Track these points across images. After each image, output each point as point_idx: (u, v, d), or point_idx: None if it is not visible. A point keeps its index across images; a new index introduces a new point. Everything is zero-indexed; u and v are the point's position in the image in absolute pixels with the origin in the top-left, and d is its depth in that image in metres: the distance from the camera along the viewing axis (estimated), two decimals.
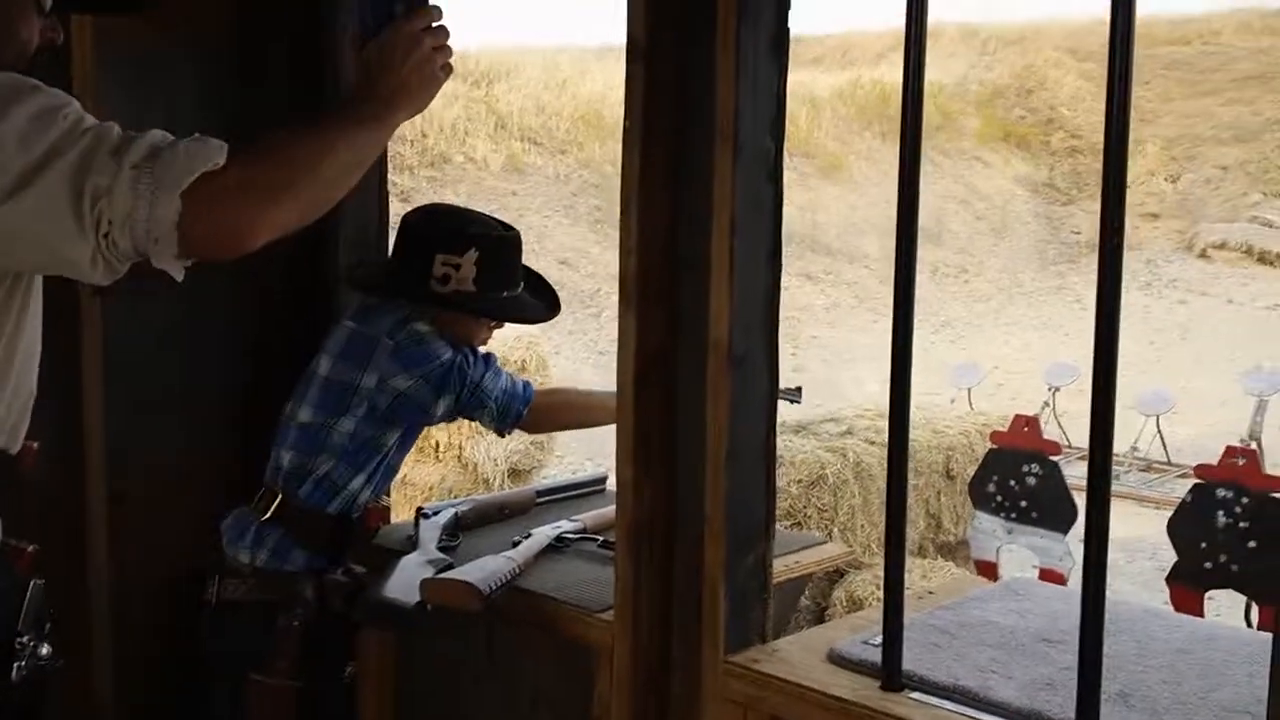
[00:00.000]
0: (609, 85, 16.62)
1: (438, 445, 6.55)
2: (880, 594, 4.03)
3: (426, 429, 2.86)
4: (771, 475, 2.08)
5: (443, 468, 6.48)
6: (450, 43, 1.65)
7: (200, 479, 2.74)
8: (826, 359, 13.36)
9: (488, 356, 2.52)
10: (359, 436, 2.45)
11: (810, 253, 16.67)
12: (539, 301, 2.60)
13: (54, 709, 1.83)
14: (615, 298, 1.98)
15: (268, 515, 2.44)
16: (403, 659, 2.59)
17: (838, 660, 1.99)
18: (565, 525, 2.57)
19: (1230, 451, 5.17)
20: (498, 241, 2.49)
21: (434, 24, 1.63)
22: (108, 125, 1.45)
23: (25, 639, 1.72)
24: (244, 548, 2.45)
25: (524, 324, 2.65)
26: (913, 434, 5.62)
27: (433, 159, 15.31)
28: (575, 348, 12.72)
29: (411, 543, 2.48)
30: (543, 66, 17.81)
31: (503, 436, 2.80)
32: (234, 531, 2.48)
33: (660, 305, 2.06)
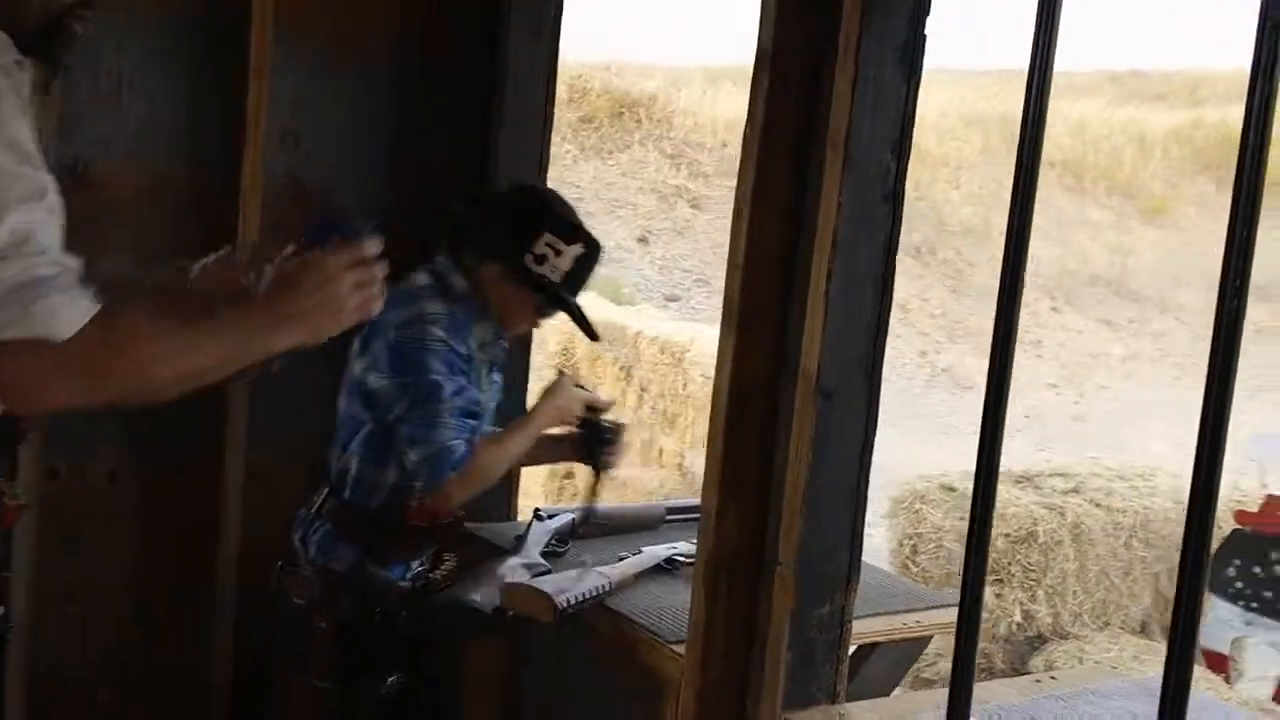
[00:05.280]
0: (941, 112, 15.88)
1: (661, 451, 6.48)
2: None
3: None
4: (859, 523, 1.91)
5: (664, 474, 6.40)
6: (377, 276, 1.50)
7: None
8: (1111, 411, 12.48)
9: (475, 413, 2.29)
10: (378, 430, 2.34)
11: (1115, 298, 15.64)
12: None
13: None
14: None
15: (314, 510, 2.39)
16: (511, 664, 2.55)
17: None
18: (682, 547, 2.46)
19: None
20: (598, 248, 2.40)
21: (363, 260, 1.49)
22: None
23: None
24: (298, 541, 2.40)
25: (581, 330, 2.46)
26: (1153, 501, 5.11)
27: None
28: None
29: (520, 543, 2.44)
30: None
31: (404, 495, 2.31)
32: (297, 522, 2.42)
33: (764, 327, 1.93)
